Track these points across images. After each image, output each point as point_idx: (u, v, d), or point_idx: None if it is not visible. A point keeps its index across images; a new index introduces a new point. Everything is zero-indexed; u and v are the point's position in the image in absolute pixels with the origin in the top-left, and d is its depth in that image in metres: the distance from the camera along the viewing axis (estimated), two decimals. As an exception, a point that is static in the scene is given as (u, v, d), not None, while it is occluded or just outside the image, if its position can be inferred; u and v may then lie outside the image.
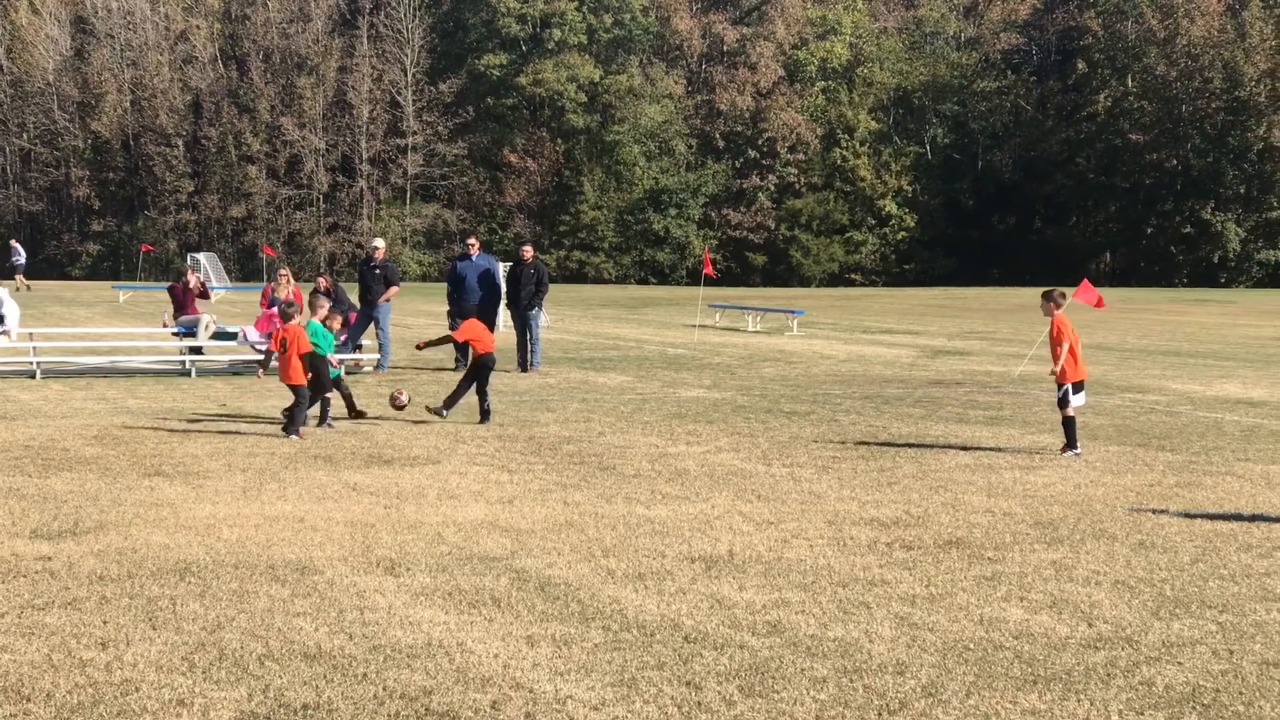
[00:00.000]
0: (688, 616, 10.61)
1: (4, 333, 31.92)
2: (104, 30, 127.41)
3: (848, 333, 48.86)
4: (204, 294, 33.31)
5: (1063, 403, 19.55)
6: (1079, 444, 19.52)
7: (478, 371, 22.72)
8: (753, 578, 11.87)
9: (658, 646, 9.81)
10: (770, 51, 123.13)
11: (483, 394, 22.63)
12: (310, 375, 21.10)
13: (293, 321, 21.36)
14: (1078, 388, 19.54)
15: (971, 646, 9.87)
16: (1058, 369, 19.49)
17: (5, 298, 32.19)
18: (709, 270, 51.49)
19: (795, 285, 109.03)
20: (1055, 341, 19.50)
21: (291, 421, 20.67)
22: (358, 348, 31.91)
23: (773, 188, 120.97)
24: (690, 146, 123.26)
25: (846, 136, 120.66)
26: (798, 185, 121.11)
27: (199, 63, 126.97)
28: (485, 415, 22.47)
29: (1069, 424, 19.49)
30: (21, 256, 39.75)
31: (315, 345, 21.42)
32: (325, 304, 23.23)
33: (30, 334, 32.64)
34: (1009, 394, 27.71)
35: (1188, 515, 14.83)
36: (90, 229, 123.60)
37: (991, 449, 19.91)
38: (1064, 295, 20.38)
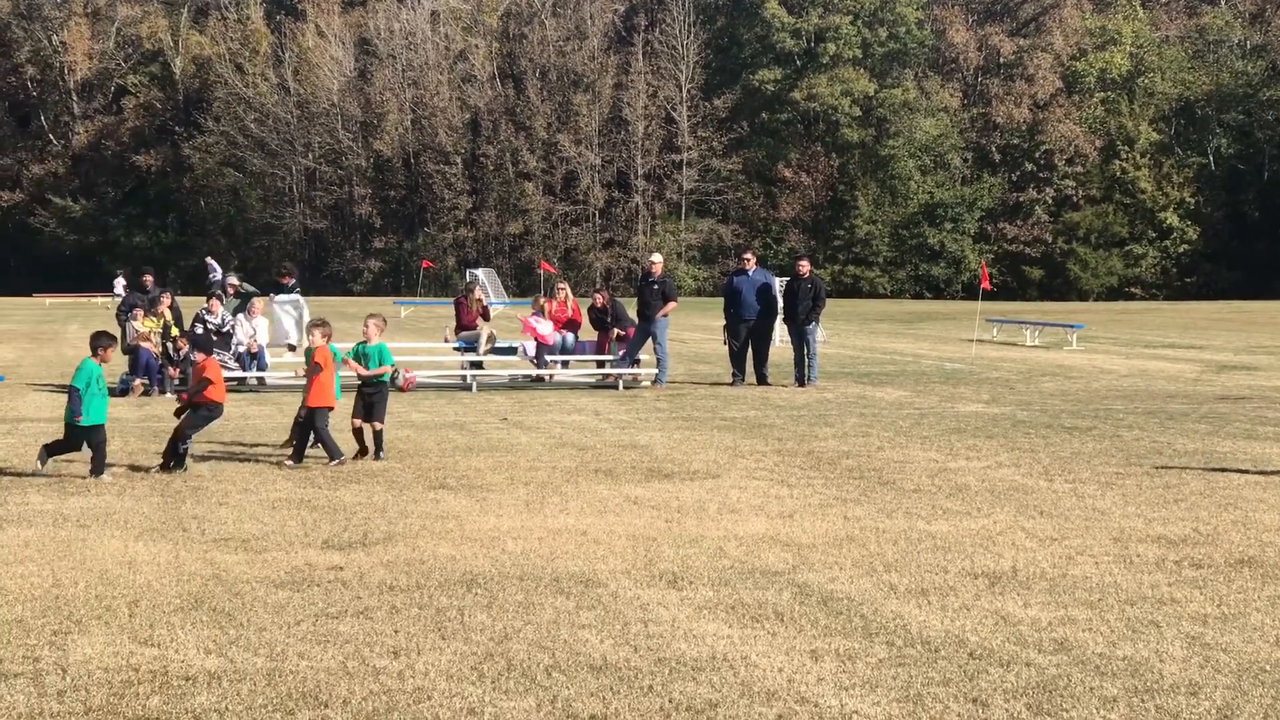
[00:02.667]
0: (972, 633, 10.52)
1: (290, 345, 32.75)
2: (386, 51, 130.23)
3: (1128, 347, 48.05)
4: (484, 313, 33.74)
5: None
6: None
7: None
8: (1037, 594, 11.73)
9: (942, 663, 9.74)
10: (1048, 63, 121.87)
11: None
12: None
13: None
14: None
15: (1268, 668, 9.65)
16: None
17: (301, 304, 33.14)
18: (985, 284, 51.02)
19: (1073, 299, 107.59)
20: None
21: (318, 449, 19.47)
22: (635, 362, 32.13)
23: (1050, 201, 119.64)
24: (965, 160, 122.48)
25: (1126, 148, 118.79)
26: (1075, 198, 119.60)
27: (477, 81, 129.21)
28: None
29: None
30: (218, 273, 40.53)
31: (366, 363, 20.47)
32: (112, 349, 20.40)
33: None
34: (1299, 410, 27.02)
35: None
36: (372, 246, 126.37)
37: (1282, 466, 19.45)
38: None
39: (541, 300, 34.56)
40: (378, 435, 19.96)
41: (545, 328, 32.39)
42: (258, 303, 32.58)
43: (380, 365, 20.50)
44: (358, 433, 20.01)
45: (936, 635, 10.45)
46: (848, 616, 10.99)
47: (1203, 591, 11.86)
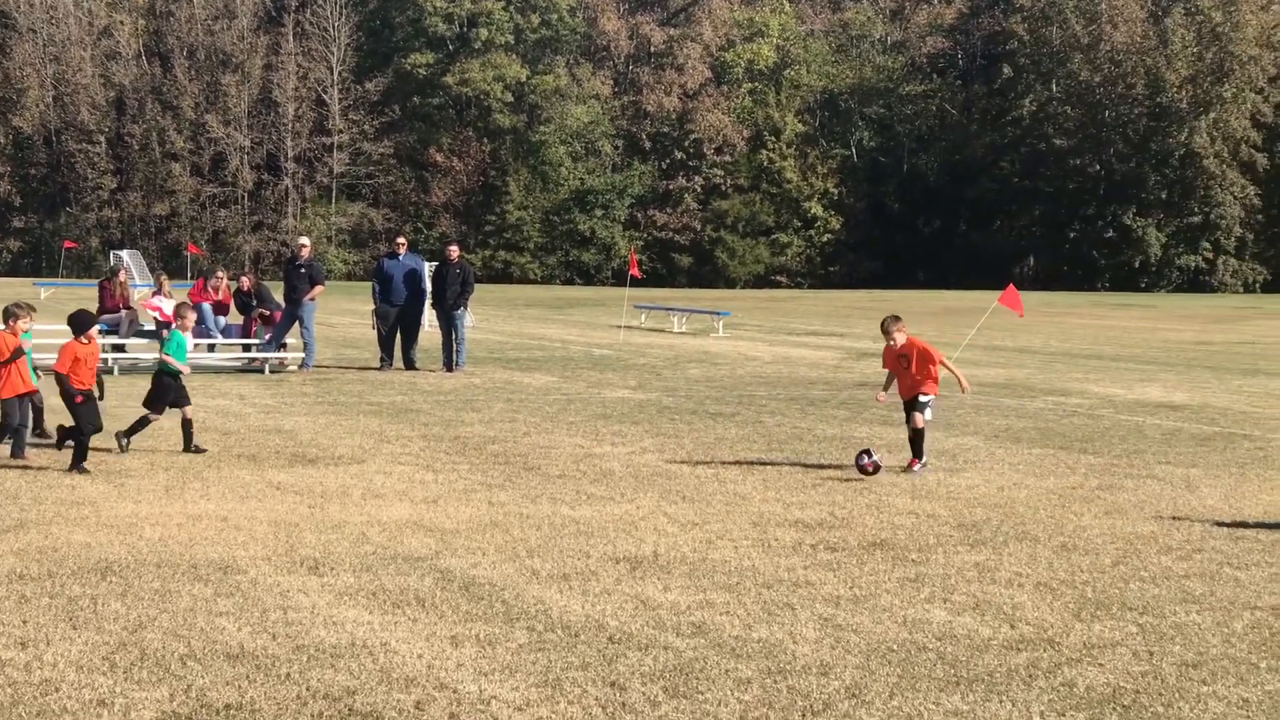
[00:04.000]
0: (612, 617, 10.60)
1: None
2: (25, 25, 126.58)
3: (773, 334, 48.98)
4: (125, 300, 32.94)
5: (918, 412, 18.45)
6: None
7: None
8: (677, 579, 11.87)
9: (582, 647, 9.79)
10: (697, 53, 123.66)
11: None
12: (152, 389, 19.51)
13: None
14: (917, 404, 18.45)
15: (895, 648, 9.90)
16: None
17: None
18: (635, 271, 51.62)
19: (721, 287, 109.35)
20: (931, 362, 18.53)
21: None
22: (282, 346, 31.78)
23: (699, 189, 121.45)
24: (617, 147, 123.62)
25: (773, 139, 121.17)
26: (724, 187, 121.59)
27: (122, 59, 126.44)
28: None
29: (919, 437, 18.47)
30: None
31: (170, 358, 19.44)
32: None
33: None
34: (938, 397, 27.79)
35: (1109, 517, 14.92)
36: (11, 225, 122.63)
37: (915, 451, 19.98)
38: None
39: (161, 279, 33.91)
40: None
41: (167, 305, 31.62)
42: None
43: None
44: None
45: (577, 620, 10.50)
46: (489, 602, 10.99)
47: (836, 574, 12.13)
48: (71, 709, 8.41)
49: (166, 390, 19.28)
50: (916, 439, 18.47)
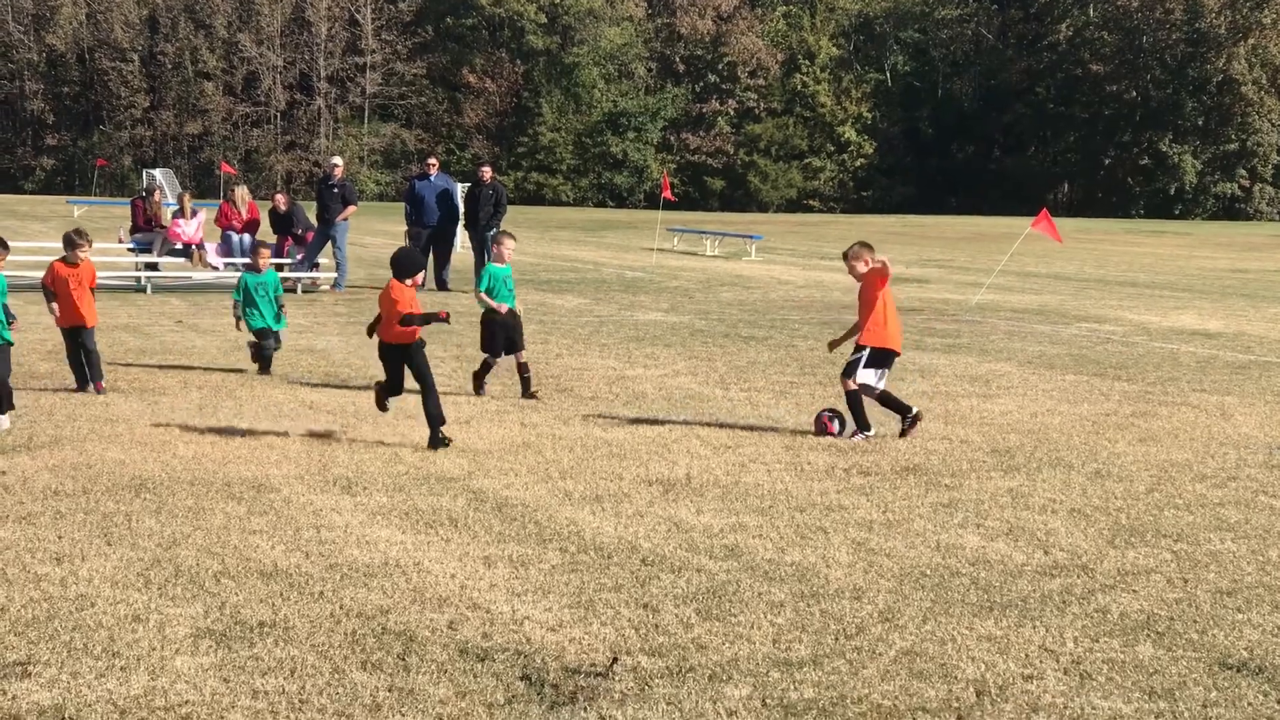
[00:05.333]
0: (645, 539, 10.59)
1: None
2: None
3: (806, 259, 48.87)
4: (157, 218, 32.87)
5: (849, 372, 15.09)
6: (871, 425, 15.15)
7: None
8: (710, 501, 11.86)
9: (615, 569, 9.79)
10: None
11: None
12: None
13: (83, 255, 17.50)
14: (878, 359, 15.12)
15: (928, 572, 9.88)
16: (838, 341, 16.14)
17: None
18: (667, 194, 51.47)
19: (753, 210, 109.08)
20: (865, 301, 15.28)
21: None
22: (315, 266, 31.82)
23: (732, 113, 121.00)
24: (650, 70, 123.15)
25: (807, 62, 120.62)
26: (757, 110, 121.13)
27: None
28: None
29: (854, 401, 15.04)
30: None
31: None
32: (267, 254, 20.43)
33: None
34: (966, 322, 27.75)
35: (1143, 444, 14.87)
36: (44, 143, 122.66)
37: (949, 376, 19.92)
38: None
39: (185, 198, 33.45)
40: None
41: (189, 228, 31.56)
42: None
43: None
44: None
45: (609, 541, 10.50)
46: (522, 523, 10.99)
47: (869, 498, 12.10)
48: (107, 624, 8.43)
49: (494, 331, 17.54)
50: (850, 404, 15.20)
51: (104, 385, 17.06)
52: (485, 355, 17.66)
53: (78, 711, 7.14)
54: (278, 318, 19.31)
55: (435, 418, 13.89)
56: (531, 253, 47.81)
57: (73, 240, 17.46)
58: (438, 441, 13.86)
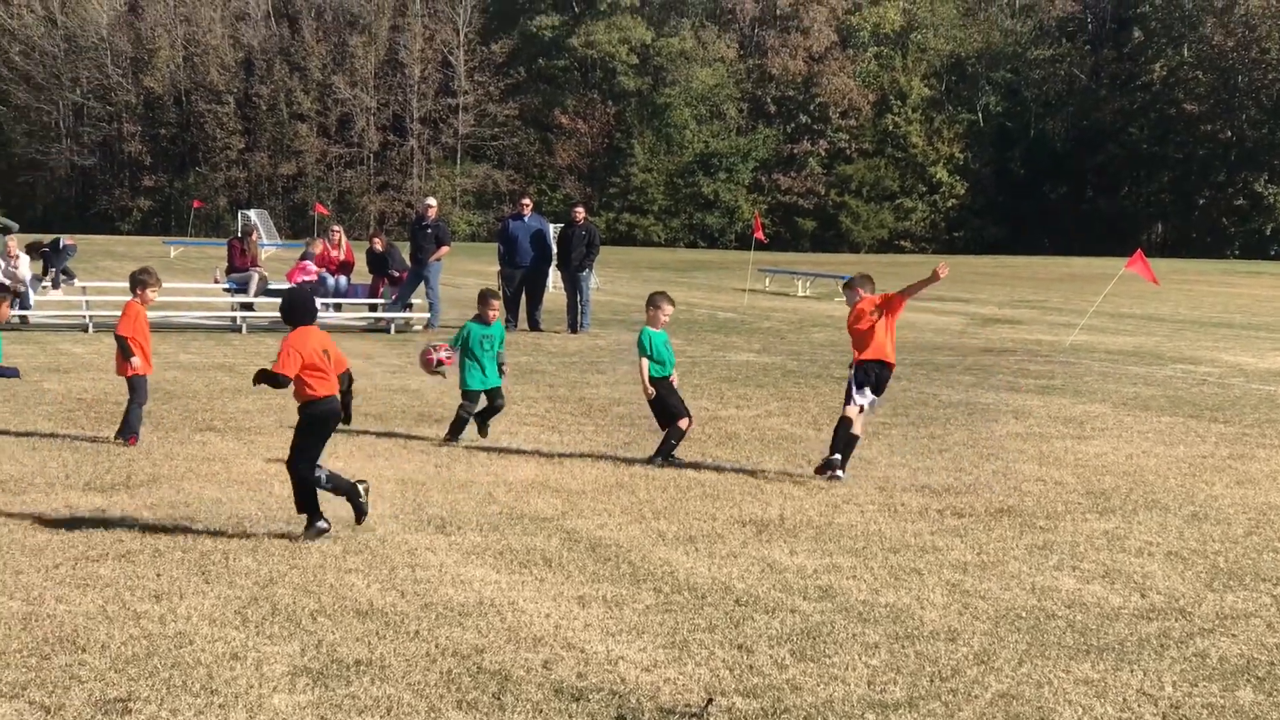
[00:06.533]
0: (739, 580, 10.59)
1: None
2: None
3: (897, 299, 48.64)
4: (254, 259, 33.15)
5: (847, 398, 15.13)
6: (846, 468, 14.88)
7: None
8: (804, 542, 11.85)
9: (709, 609, 9.80)
10: (823, 16, 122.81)
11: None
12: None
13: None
14: (863, 374, 15.03)
15: (1024, 615, 9.83)
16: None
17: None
18: (759, 235, 51.46)
19: (845, 251, 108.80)
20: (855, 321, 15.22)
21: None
22: (408, 306, 31.99)
23: (823, 153, 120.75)
24: (741, 110, 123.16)
25: (899, 103, 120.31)
26: (849, 151, 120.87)
27: (251, 20, 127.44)
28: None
29: (843, 428, 14.90)
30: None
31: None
32: (498, 305, 18.76)
33: (84, 288, 32.85)
34: (1060, 363, 27.59)
35: (1241, 487, 14.75)
36: (141, 184, 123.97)
37: (1043, 418, 19.82)
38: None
39: (317, 243, 33.72)
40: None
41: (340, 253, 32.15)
42: (12, 241, 32.09)
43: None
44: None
45: (704, 582, 10.51)
46: (615, 563, 11.02)
47: (963, 540, 12.06)
48: (205, 661, 8.51)
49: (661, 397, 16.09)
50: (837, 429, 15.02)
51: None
52: (673, 423, 15.81)
53: (177, 748, 7.20)
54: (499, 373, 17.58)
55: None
56: (623, 293, 47.88)
57: (150, 280, 16.74)
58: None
